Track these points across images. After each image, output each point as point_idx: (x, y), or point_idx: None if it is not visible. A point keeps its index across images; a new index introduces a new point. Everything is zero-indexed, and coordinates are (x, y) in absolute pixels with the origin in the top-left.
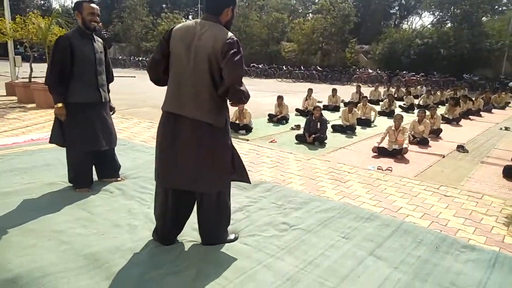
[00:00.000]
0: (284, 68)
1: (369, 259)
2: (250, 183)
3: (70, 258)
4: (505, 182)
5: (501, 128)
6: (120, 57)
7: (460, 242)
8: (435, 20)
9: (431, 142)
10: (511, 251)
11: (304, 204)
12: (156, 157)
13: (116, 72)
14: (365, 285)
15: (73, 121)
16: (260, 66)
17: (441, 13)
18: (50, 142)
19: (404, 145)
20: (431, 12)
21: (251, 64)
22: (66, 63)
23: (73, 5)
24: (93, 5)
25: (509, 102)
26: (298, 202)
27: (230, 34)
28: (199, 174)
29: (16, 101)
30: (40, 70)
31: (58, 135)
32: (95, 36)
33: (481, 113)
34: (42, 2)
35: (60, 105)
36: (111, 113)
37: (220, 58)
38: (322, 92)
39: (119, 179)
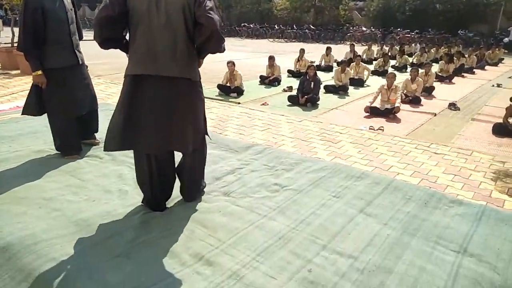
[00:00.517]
0: (276, 27)
1: (359, 217)
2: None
3: (61, 224)
4: (494, 138)
5: (493, 85)
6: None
7: (448, 197)
8: None
9: (423, 101)
10: (498, 205)
11: (295, 165)
12: (118, 122)
13: (90, 35)
14: (355, 242)
15: (52, 88)
16: (251, 25)
17: None
18: (23, 113)
19: (396, 104)
20: None
21: (242, 24)
22: (38, 25)
23: None
24: None
25: (503, 59)
26: (289, 163)
27: None
28: (185, 133)
29: None
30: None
31: (33, 105)
32: None
33: (474, 70)
34: None
35: (39, 72)
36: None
37: (195, 7)
38: (315, 52)
39: (96, 141)
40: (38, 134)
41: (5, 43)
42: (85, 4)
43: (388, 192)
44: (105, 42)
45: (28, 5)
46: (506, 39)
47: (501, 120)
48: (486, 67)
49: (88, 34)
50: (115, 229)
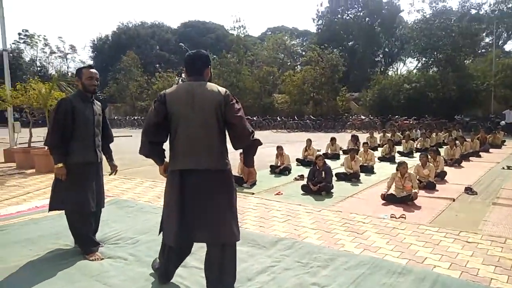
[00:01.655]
0: (278, 119)
1: None
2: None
3: None
4: None
5: (503, 168)
6: (115, 117)
7: None
8: (419, 65)
9: (437, 186)
10: None
11: (330, 261)
12: (166, 218)
13: (112, 132)
14: None
15: (71, 181)
16: (254, 118)
17: (425, 58)
18: (50, 209)
19: (414, 190)
20: (415, 58)
21: (246, 117)
22: (67, 124)
23: (68, 70)
24: (92, 70)
25: (504, 141)
26: (323, 258)
27: (224, 88)
28: (221, 224)
29: (15, 167)
30: (38, 135)
31: (58, 200)
32: (94, 99)
33: (479, 153)
34: (39, 68)
35: (60, 165)
36: (111, 172)
37: (225, 108)
38: (318, 141)
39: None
40: (60, 235)
41: (19, 143)
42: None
43: None
44: (152, 144)
45: (61, 106)
46: (502, 122)
47: None
48: (491, 150)
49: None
50: None
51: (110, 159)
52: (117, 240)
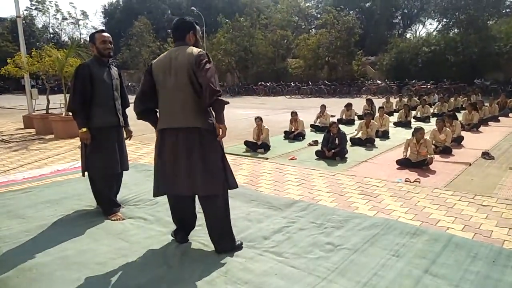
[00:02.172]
0: (292, 84)
1: (426, 278)
2: (237, 187)
3: None
4: None
5: None
6: (129, 84)
7: None
8: (440, 26)
9: (454, 151)
10: None
11: (344, 222)
12: (156, 171)
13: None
14: None
15: (95, 145)
16: (268, 84)
17: (445, 19)
18: (84, 173)
19: (429, 156)
20: (435, 19)
21: (259, 83)
22: (87, 89)
23: (80, 36)
24: (104, 33)
25: None
26: (337, 220)
27: (199, 49)
28: (194, 178)
29: (34, 133)
30: (54, 101)
31: (87, 163)
32: (110, 64)
33: (498, 118)
34: (52, 35)
35: (84, 129)
36: (126, 137)
37: (195, 68)
38: (333, 106)
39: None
40: (82, 197)
41: (37, 110)
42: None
43: (450, 250)
44: (141, 112)
45: (80, 71)
46: None
47: None
48: (510, 114)
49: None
50: None
51: (125, 124)
52: (136, 202)
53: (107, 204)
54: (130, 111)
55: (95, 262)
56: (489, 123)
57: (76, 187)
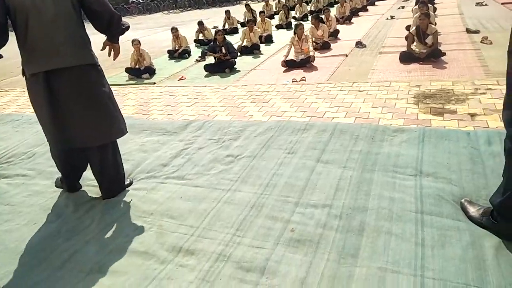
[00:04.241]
0: None
1: (318, 166)
2: (127, 132)
3: (8, 260)
4: (403, 66)
5: (387, 18)
6: None
7: (390, 128)
8: None
9: (332, 45)
10: (427, 125)
11: (240, 132)
12: (42, 127)
13: None
14: (323, 191)
15: None
16: (140, 1)
17: None
18: None
19: (310, 53)
20: None
21: (130, 1)
22: None
23: None
24: None
25: None
26: (234, 131)
27: None
28: (90, 127)
29: None
30: None
31: None
32: None
33: (367, 7)
34: None
35: None
36: None
37: None
38: (214, 16)
39: None
40: None
41: None
42: None
43: (336, 137)
44: None
45: None
46: None
47: (404, 49)
48: (376, 3)
49: None
50: (74, 246)
51: None
52: (8, 159)
53: None
54: None
55: None
56: (359, 13)
57: None
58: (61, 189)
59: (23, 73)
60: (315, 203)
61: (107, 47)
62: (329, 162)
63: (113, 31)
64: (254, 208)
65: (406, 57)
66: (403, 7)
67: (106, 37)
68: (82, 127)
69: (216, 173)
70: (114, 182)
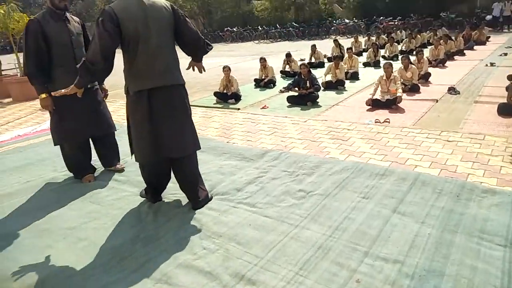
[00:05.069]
0: (260, 28)
1: (394, 217)
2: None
3: (91, 254)
4: (502, 119)
5: (486, 65)
6: None
7: (479, 188)
8: None
9: (421, 88)
10: None
11: (315, 168)
12: (136, 138)
13: None
14: (397, 245)
15: (59, 112)
16: (234, 29)
17: None
18: (55, 144)
19: (398, 94)
20: None
21: (225, 29)
22: (41, 49)
23: None
24: None
25: (489, 37)
26: (309, 166)
27: (166, 1)
28: (184, 137)
29: None
30: (7, 62)
31: (55, 131)
32: (69, 16)
33: (464, 51)
34: None
35: (43, 95)
36: (103, 95)
37: (177, 21)
38: (303, 49)
39: (118, 166)
40: (47, 162)
41: None
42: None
43: (416, 188)
44: (102, 70)
45: (29, 28)
46: (488, 17)
47: (504, 100)
48: (475, 47)
49: None
50: (149, 254)
51: (99, 82)
52: None
53: (76, 170)
54: None
55: (66, 227)
56: (455, 57)
57: (39, 151)
58: (144, 199)
59: (126, 91)
60: (386, 256)
61: (192, 66)
62: (406, 215)
63: (200, 56)
64: (320, 250)
65: (506, 110)
66: (505, 54)
67: (191, 58)
68: (175, 138)
69: (287, 206)
70: (199, 191)
